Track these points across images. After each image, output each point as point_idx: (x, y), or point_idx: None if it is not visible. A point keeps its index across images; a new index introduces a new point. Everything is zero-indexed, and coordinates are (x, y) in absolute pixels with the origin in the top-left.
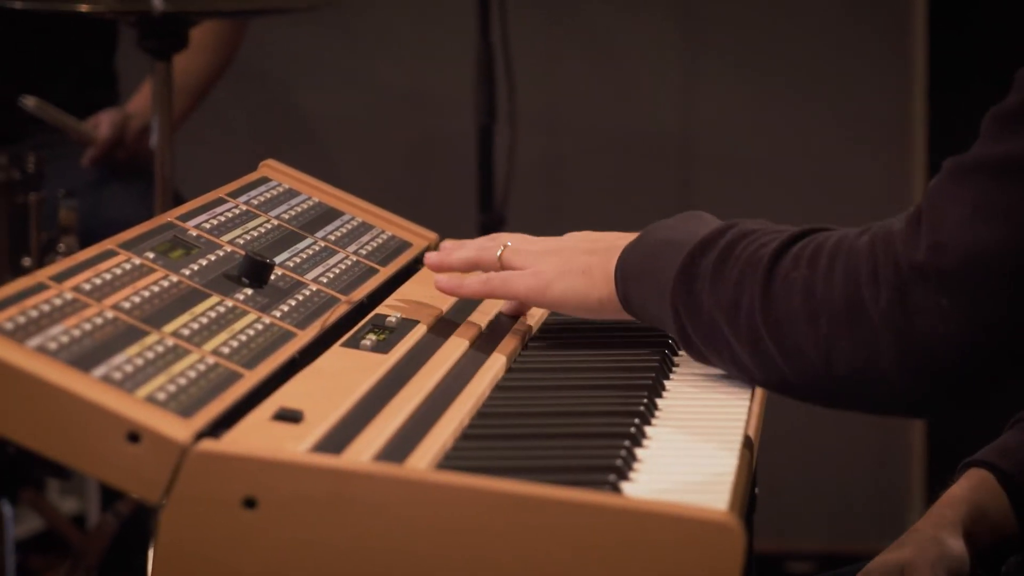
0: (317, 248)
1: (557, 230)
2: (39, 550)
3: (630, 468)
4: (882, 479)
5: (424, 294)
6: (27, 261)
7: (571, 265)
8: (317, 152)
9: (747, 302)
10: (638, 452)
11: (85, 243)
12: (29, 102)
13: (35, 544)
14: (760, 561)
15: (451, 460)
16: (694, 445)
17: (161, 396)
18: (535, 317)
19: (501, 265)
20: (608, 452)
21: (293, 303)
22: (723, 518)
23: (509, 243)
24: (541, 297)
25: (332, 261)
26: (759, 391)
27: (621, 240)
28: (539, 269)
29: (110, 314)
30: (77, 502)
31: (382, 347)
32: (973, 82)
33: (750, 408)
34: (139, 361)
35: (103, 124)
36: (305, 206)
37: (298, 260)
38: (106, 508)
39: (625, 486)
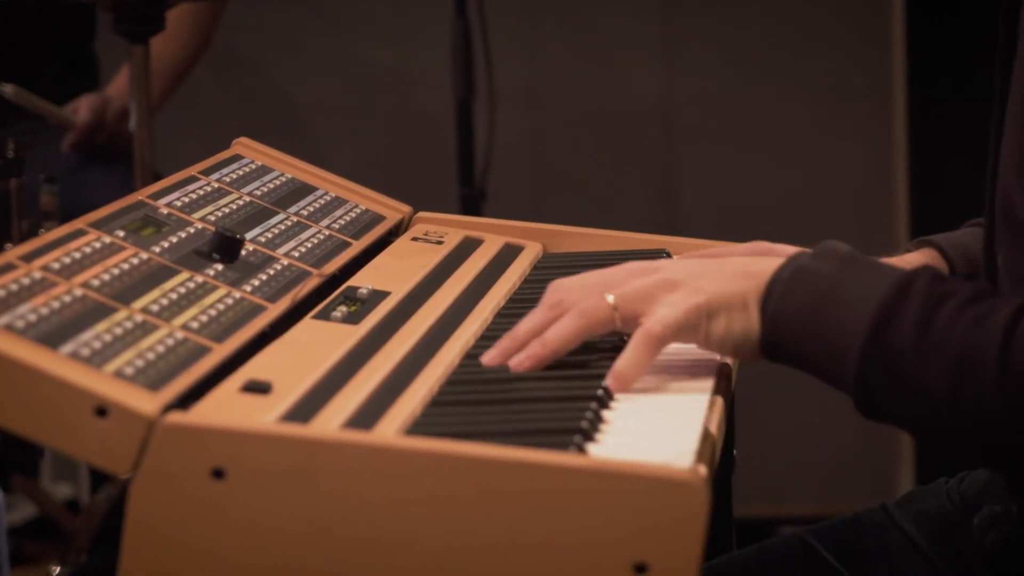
0: (289, 223)
1: (538, 204)
2: (33, 536)
3: (596, 430)
4: (872, 440)
5: (396, 266)
6: (9, 247)
7: (726, 288)
8: (297, 132)
9: (973, 392)
10: (605, 414)
11: None
12: (7, 89)
13: (29, 530)
14: (750, 526)
15: (419, 426)
16: (662, 405)
17: (129, 371)
18: (505, 287)
19: (620, 315)
20: (574, 414)
21: (264, 277)
22: (685, 476)
23: (610, 297)
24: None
25: (304, 235)
26: None
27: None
28: (688, 301)
29: (79, 292)
30: (70, 487)
31: (353, 318)
32: (954, 57)
33: (721, 367)
34: (107, 337)
35: (82, 109)
36: (278, 182)
37: (270, 235)
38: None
39: (591, 447)
